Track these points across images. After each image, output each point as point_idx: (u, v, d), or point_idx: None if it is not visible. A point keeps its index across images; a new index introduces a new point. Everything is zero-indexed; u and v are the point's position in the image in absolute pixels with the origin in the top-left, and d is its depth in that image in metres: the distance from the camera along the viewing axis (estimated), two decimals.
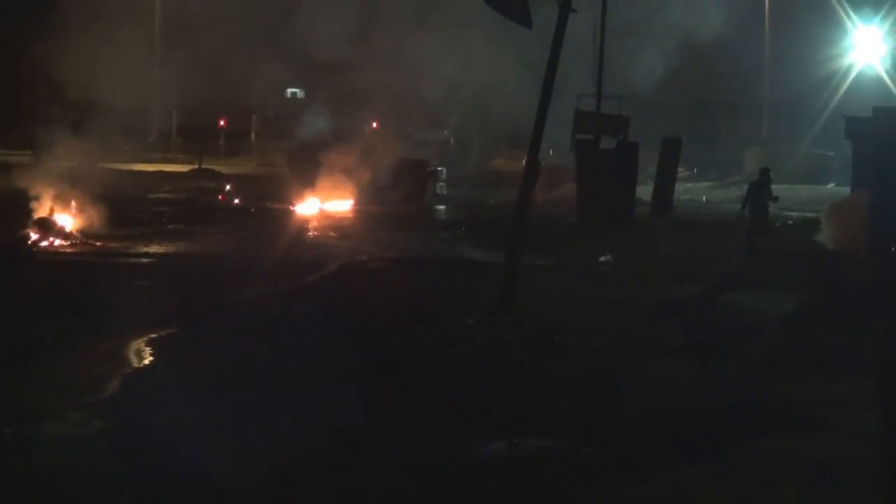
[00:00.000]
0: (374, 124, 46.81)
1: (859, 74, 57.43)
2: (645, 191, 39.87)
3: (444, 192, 46.27)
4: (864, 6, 57.67)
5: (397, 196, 43.36)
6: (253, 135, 68.99)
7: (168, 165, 55.78)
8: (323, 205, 39.49)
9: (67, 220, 28.11)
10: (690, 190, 50.56)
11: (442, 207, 42.76)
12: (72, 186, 28.13)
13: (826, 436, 12.65)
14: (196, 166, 54.41)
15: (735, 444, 12.24)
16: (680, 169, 43.90)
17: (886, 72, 55.87)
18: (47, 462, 11.22)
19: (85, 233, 28.19)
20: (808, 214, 36.34)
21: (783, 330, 19.13)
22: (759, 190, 26.48)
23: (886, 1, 56.17)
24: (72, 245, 27.45)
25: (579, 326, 18.28)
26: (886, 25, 57.14)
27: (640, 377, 15.26)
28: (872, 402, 14.39)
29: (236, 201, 40.89)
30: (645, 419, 13.24)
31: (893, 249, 27.03)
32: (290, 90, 60.83)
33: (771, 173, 26.89)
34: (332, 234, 32.82)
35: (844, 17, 57.53)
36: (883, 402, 14.42)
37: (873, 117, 30.34)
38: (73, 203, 28.26)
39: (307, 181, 39.94)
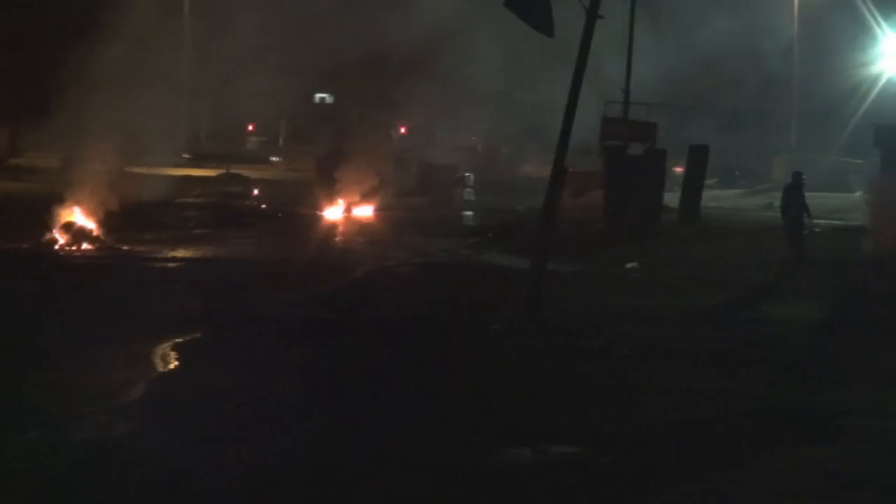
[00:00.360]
0: (403, 129, 46.85)
1: (889, 82, 57.16)
2: (672, 198, 39.74)
3: (472, 198, 46.17)
4: (894, 14, 57.42)
5: (424, 201, 43.32)
6: (281, 139, 69.13)
7: (196, 170, 55.87)
8: (350, 210, 39.49)
9: (95, 225, 28.16)
10: (718, 198, 50.37)
11: (469, 213, 42.68)
12: (100, 190, 28.15)
13: (852, 445, 12.57)
14: (224, 171, 54.49)
15: (761, 453, 12.17)
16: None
17: None
18: (72, 466, 11.23)
19: (112, 237, 28.23)
20: (837, 222, 36.16)
21: (812, 338, 19.04)
22: (794, 193, 26.41)
23: None
24: (99, 249, 27.47)
25: (606, 333, 18.25)
26: None
27: (666, 384, 15.19)
28: None
29: (264, 206, 40.90)
30: (670, 427, 13.17)
31: None
32: (318, 95, 60.96)
33: (804, 176, 26.78)
34: (359, 239, 32.82)
35: (874, 25, 57.30)
36: None
37: None
38: (101, 207, 28.26)
39: (335, 186, 39.94)
